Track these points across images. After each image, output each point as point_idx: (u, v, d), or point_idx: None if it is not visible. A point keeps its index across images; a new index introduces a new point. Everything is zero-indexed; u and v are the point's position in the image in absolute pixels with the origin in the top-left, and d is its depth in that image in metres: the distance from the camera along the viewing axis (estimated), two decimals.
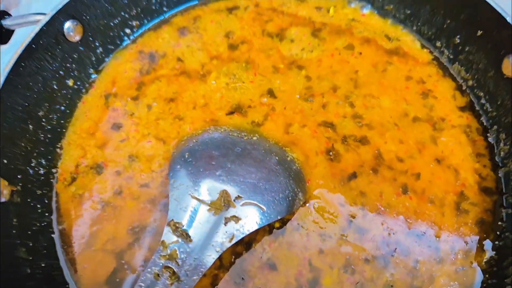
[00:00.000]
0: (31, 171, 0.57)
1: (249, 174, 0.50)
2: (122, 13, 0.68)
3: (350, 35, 0.66)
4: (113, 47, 0.69)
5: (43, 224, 0.56)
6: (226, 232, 0.47)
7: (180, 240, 0.46)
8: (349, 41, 0.66)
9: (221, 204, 0.48)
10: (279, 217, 0.49)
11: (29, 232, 0.54)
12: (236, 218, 0.48)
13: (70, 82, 0.64)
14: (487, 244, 0.52)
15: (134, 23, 0.70)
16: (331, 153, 0.57)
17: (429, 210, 0.53)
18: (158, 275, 0.45)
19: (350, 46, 0.65)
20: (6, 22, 0.62)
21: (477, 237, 0.52)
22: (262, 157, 0.51)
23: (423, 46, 0.65)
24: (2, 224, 0.49)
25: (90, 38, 0.65)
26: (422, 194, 0.54)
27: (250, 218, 0.47)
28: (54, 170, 0.60)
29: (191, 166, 0.51)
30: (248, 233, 0.48)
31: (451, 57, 0.63)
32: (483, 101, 0.59)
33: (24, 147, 0.56)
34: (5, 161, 0.53)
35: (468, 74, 0.61)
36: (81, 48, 0.64)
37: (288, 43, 0.66)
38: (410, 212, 0.53)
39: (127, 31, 0.70)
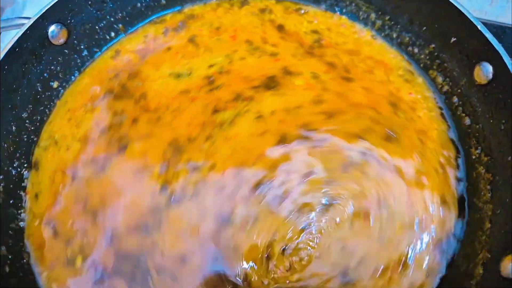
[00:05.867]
0: (13, 171, 0.58)
1: None
2: (108, 17, 0.70)
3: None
4: (98, 50, 0.70)
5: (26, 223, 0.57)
6: None
7: None
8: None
9: None
10: None
11: (11, 232, 0.55)
12: None
13: (54, 84, 0.65)
14: None
15: (120, 26, 0.72)
16: None
17: None
18: None
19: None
20: None
21: None
22: None
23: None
24: None
25: (75, 41, 0.67)
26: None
27: None
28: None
29: None
30: None
31: (428, 63, 0.64)
32: (456, 105, 0.61)
33: (7, 149, 0.58)
34: None
35: (443, 81, 0.63)
36: (66, 51, 0.66)
37: None
38: None
39: (112, 34, 0.71)
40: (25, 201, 0.58)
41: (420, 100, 0.61)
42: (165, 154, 0.57)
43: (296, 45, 0.65)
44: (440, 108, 0.61)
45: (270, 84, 0.60)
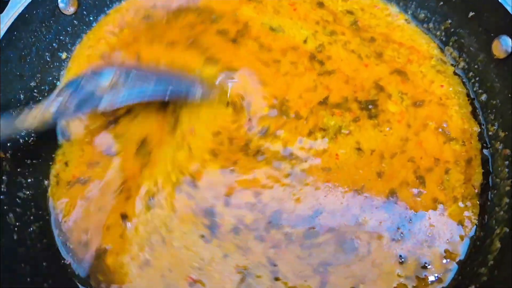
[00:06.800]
0: (21, 140, 0.57)
1: None
2: None
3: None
4: None
5: (34, 193, 0.57)
6: None
7: None
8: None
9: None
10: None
11: (19, 200, 0.54)
12: None
13: (63, 55, 0.64)
14: None
15: None
16: None
17: None
18: None
19: None
20: None
21: None
22: None
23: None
24: None
25: (85, 12, 0.65)
26: None
27: None
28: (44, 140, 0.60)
29: None
30: None
31: (444, 39, 0.63)
32: (473, 81, 0.60)
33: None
34: None
35: (460, 57, 0.61)
36: (75, 21, 0.65)
37: None
38: None
39: None
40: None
41: (451, 93, 0.60)
42: (269, 99, 0.58)
43: (363, 41, 0.64)
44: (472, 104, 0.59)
45: (372, 110, 0.58)
